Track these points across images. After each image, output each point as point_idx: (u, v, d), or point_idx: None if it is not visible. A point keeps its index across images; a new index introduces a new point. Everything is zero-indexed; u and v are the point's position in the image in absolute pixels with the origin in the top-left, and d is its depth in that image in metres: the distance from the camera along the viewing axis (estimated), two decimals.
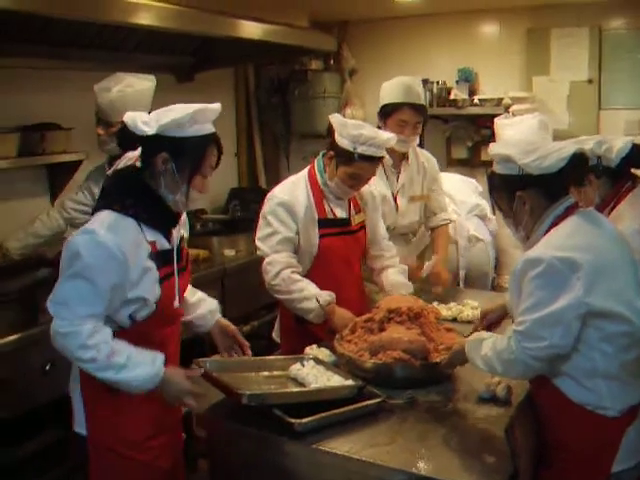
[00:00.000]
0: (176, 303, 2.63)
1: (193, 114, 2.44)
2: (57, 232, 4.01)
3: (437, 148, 5.09)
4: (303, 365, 2.84)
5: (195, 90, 5.25)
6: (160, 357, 2.46)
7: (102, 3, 3.74)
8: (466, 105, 6.04)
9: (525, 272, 2.35)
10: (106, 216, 2.44)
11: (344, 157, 3.33)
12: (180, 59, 5.46)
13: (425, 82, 6.08)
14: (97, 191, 3.66)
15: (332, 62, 6.67)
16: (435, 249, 4.28)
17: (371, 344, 2.89)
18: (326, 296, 3.30)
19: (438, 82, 6.20)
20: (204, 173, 2.54)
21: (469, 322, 3.53)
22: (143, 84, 3.74)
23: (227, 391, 2.57)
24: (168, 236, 2.59)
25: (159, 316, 2.55)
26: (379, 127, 3.75)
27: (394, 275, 3.64)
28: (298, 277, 3.36)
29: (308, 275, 3.44)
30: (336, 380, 2.73)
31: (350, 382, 2.70)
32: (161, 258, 2.55)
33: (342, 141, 3.31)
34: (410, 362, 2.77)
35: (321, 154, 3.54)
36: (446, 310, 3.66)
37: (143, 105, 3.54)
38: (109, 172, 2.64)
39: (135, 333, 2.50)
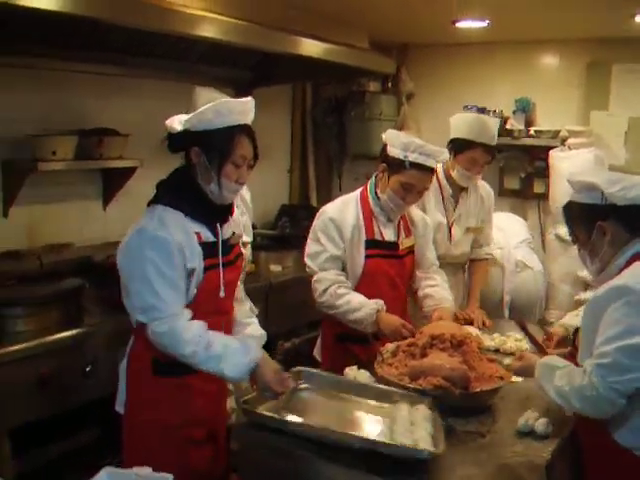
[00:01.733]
0: (221, 294, 2.69)
1: (216, 107, 2.53)
2: None
3: (490, 177, 5.05)
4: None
5: None
6: (253, 347, 2.58)
7: (166, 14, 3.78)
8: (522, 136, 5.99)
9: (610, 300, 2.29)
10: (154, 211, 2.58)
11: (396, 166, 3.36)
12: (240, 73, 5.50)
13: (482, 111, 6.05)
14: None
15: (390, 85, 6.68)
16: (470, 288, 4.28)
17: (412, 369, 2.87)
18: (372, 304, 3.31)
19: (495, 111, 6.16)
20: (235, 162, 2.60)
21: (512, 354, 3.48)
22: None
23: None
24: (213, 229, 2.68)
25: (204, 303, 2.62)
26: None
27: (442, 291, 3.63)
28: (344, 291, 3.38)
29: None
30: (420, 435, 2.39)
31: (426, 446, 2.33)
32: (206, 249, 2.63)
33: (393, 150, 3.36)
34: (450, 390, 2.74)
35: (374, 175, 3.54)
36: (489, 340, 3.62)
37: None
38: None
39: None
